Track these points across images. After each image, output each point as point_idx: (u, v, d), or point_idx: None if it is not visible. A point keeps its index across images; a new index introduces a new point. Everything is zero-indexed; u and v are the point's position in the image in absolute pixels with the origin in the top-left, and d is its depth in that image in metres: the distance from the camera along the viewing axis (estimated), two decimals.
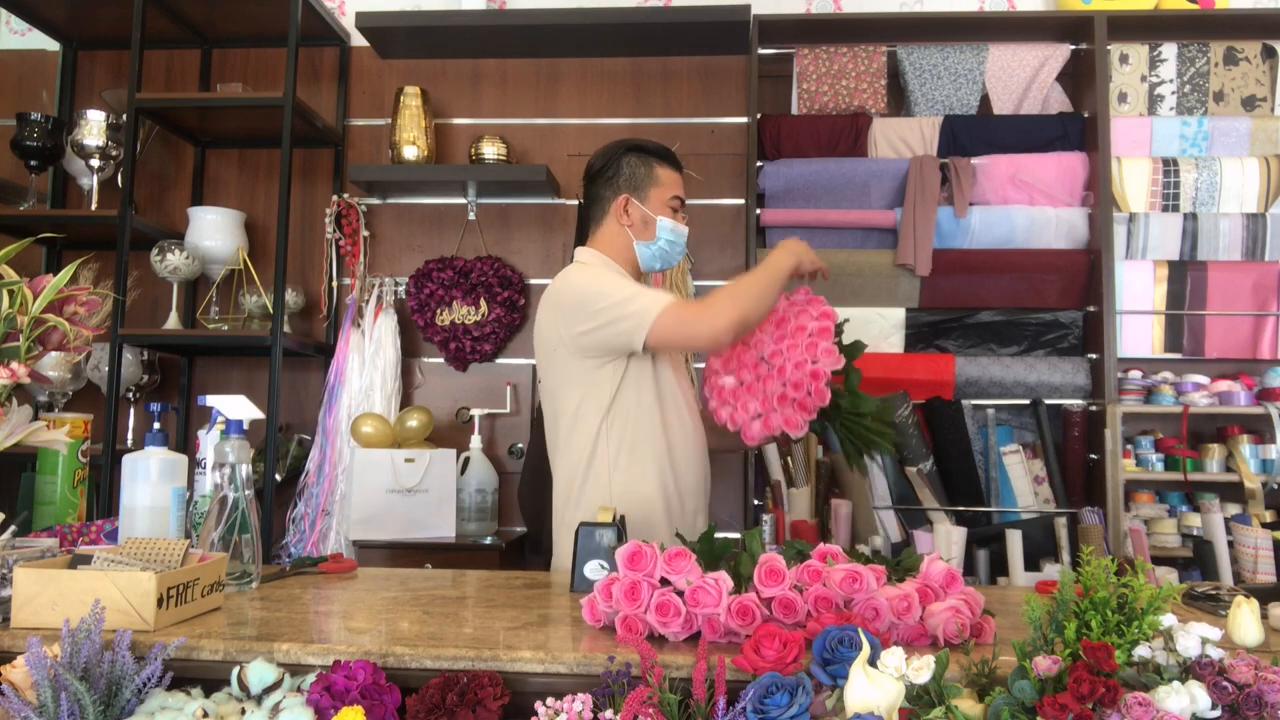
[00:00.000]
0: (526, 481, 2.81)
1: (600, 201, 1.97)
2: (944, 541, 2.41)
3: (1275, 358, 2.77)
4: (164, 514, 1.61)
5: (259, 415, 1.80)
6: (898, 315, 2.83)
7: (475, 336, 3.07)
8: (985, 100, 2.93)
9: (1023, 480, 2.72)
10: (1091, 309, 2.77)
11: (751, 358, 1.88)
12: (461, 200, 3.19)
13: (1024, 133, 2.86)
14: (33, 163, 2.93)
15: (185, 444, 3.12)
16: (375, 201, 3.21)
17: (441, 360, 3.15)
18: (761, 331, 1.87)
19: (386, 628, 1.26)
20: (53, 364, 2.82)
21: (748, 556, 1.24)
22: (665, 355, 1.90)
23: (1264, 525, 2.50)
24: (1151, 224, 2.80)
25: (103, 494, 2.66)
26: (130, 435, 3.09)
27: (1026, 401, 2.78)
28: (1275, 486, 2.67)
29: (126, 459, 1.63)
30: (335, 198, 3.15)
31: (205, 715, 1.02)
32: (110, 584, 1.19)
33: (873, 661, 0.96)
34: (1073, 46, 2.90)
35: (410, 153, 3.02)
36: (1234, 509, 2.65)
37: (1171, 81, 2.87)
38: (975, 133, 2.87)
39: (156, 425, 1.69)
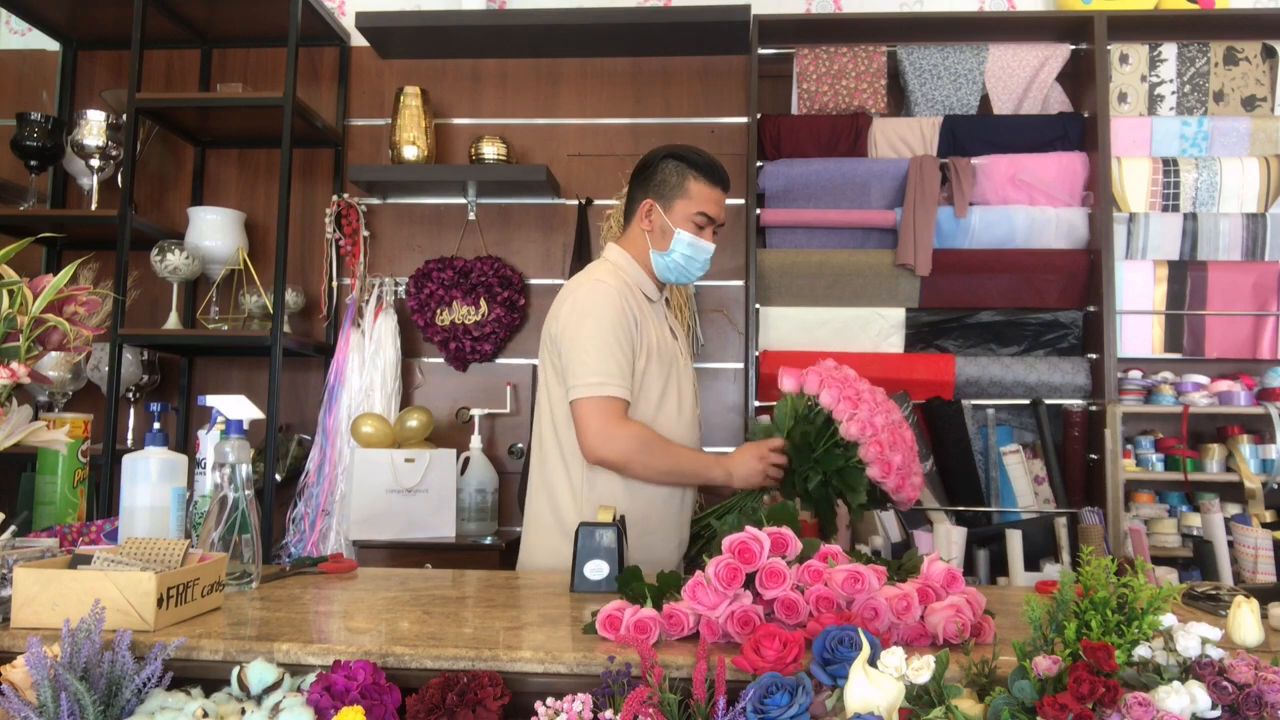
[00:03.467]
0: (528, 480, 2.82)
1: (633, 200, 2.00)
2: (944, 541, 2.41)
3: (1275, 358, 2.77)
4: (164, 514, 1.61)
5: (259, 415, 1.80)
6: (898, 315, 2.83)
7: (475, 336, 3.07)
8: (985, 100, 2.93)
9: (1023, 480, 2.72)
10: (1091, 309, 2.77)
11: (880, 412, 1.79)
12: (461, 200, 3.19)
13: (1024, 133, 2.86)
14: (33, 163, 2.93)
15: (185, 444, 3.12)
16: (375, 201, 3.21)
17: (441, 360, 3.15)
18: (863, 400, 1.78)
19: (386, 628, 1.26)
20: (53, 364, 2.82)
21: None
22: (658, 362, 1.90)
23: (1264, 525, 2.50)
24: (1151, 224, 2.80)
25: (103, 494, 2.66)
26: (130, 435, 3.09)
27: (1026, 401, 2.78)
28: (1275, 486, 2.67)
29: (126, 459, 1.63)
30: (335, 198, 3.15)
31: (205, 715, 1.02)
32: (110, 584, 1.19)
33: (873, 661, 0.96)
34: (1073, 46, 2.90)
35: (410, 153, 3.02)
36: (1234, 509, 2.65)
37: (1171, 81, 2.87)
38: (975, 133, 2.87)
39: (156, 425, 1.69)
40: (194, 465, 1.79)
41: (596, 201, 3.12)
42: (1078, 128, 2.86)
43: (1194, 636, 0.96)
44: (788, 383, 1.82)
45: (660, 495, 1.90)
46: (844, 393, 1.73)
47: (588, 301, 1.85)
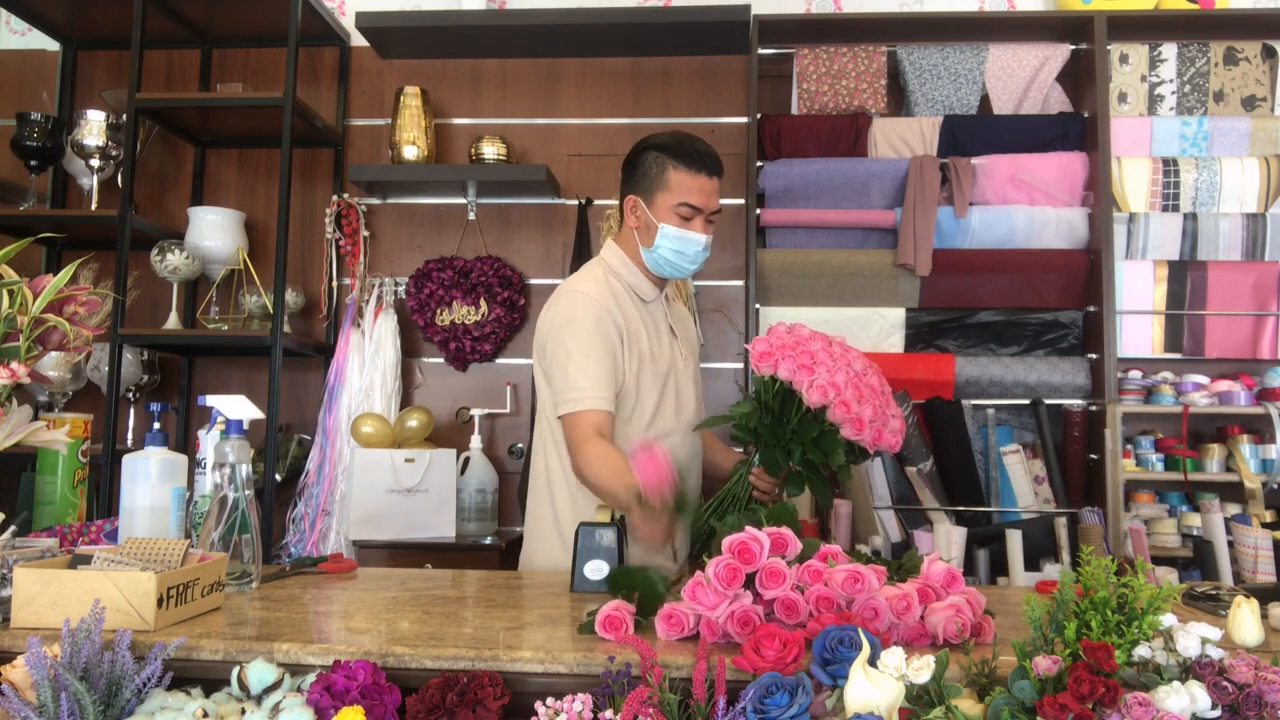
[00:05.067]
0: (527, 481, 2.82)
1: (621, 197, 1.95)
2: (944, 541, 2.41)
3: (1275, 358, 2.77)
4: (164, 514, 1.61)
5: (259, 415, 1.80)
6: (898, 315, 2.83)
7: (475, 336, 3.07)
8: (985, 100, 2.93)
9: (1023, 480, 2.72)
10: (1091, 309, 2.77)
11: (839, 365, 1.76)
12: (461, 200, 3.19)
13: (1024, 133, 2.86)
14: (33, 163, 2.93)
15: (185, 444, 3.12)
16: (375, 201, 3.21)
17: (441, 360, 3.15)
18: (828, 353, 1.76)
19: (386, 628, 1.26)
20: (53, 364, 2.82)
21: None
22: (651, 368, 1.88)
23: (1264, 525, 2.50)
24: (1151, 224, 2.80)
25: (103, 494, 2.66)
26: (130, 435, 3.09)
27: (1026, 401, 2.78)
28: (1275, 486, 2.67)
29: (126, 459, 1.63)
30: (335, 198, 3.15)
31: (205, 715, 1.02)
32: (110, 584, 1.19)
33: (873, 661, 0.96)
34: (1073, 46, 2.90)
35: (410, 153, 3.02)
36: (1234, 509, 2.65)
37: (1171, 81, 2.87)
38: (975, 133, 2.87)
39: (156, 425, 1.69)
40: (194, 465, 1.79)
41: (596, 201, 3.12)
42: (1078, 128, 2.86)
43: (1194, 636, 0.96)
44: (765, 368, 1.77)
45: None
46: (798, 361, 1.71)
47: (566, 314, 1.83)
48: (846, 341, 1.87)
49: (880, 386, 1.79)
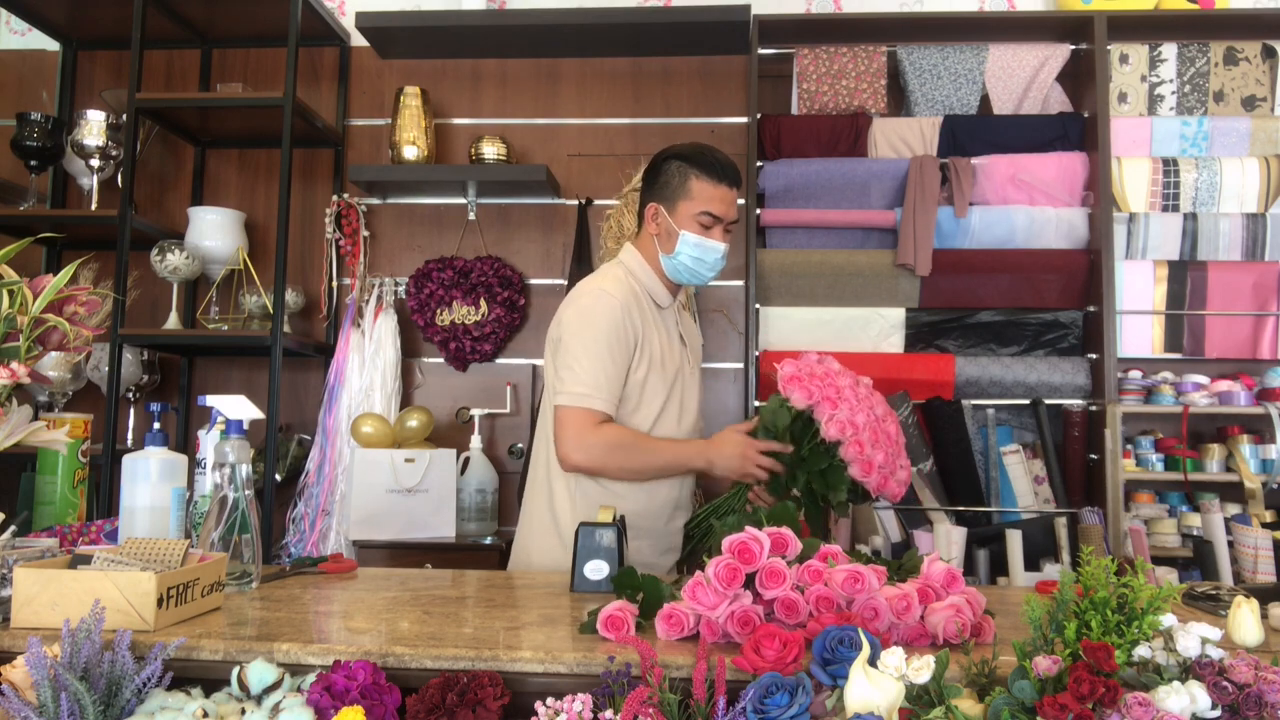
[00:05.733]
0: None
1: (642, 204, 1.98)
2: (944, 541, 2.41)
3: (1275, 358, 2.77)
4: (164, 514, 1.61)
5: (259, 415, 1.80)
6: (898, 315, 2.83)
7: (475, 336, 3.07)
8: (985, 100, 2.93)
9: (1023, 480, 2.72)
10: (1091, 309, 2.77)
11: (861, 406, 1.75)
12: (461, 200, 3.19)
13: (1024, 133, 2.86)
14: (33, 163, 2.93)
15: (185, 444, 3.12)
16: (375, 201, 3.21)
17: (441, 360, 3.15)
18: (854, 394, 1.76)
19: (386, 628, 1.26)
20: (53, 364, 2.82)
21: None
22: (660, 373, 1.90)
23: (1264, 525, 2.50)
24: (1151, 224, 2.80)
25: (103, 494, 2.66)
26: (130, 435, 3.09)
27: (1026, 401, 2.78)
28: (1275, 486, 2.67)
29: (126, 459, 1.63)
30: (335, 198, 3.15)
31: (205, 715, 1.02)
32: (110, 584, 1.19)
33: (873, 661, 0.96)
34: (1073, 46, 2.90)
35: (410, 153, 3.02)
36: (1234, 509, 2.65)
37: (1171, 81, 2.86)
38: (975, 133, 2.87)
39: (156, 425, 1.69)
40: (194, 465, 1.79)
41: (596, 201, 3.12)
42: (1078, 128, 2.86)
43: (1194, 636, 0.96)
44: (796, 395, 1.75)
45: (656, 504, 1.91)
46: (824, 393, 1.71)
47: (589, 311, 1.85)
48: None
49: (896, 435, 1.80)
